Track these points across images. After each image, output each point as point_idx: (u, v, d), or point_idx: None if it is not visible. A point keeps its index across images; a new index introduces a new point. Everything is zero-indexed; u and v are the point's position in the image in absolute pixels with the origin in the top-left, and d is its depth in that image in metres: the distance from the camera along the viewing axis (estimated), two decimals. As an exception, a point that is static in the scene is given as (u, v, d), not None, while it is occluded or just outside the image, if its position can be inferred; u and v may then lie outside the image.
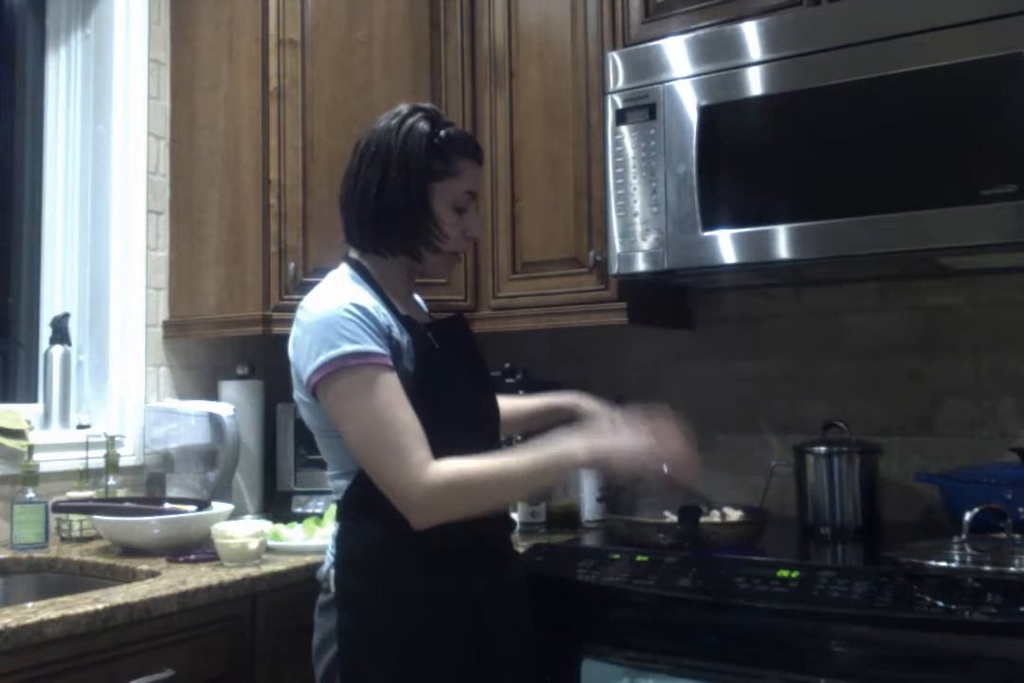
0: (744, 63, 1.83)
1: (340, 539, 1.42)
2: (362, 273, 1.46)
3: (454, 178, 1.46)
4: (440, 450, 1.33)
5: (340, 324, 1.33)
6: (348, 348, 1.32)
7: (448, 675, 1.37)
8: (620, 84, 1.98)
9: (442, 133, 1.46)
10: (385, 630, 1.35)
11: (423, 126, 1.45)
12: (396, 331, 1.39)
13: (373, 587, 1.37)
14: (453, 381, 1.45)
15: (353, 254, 1.51)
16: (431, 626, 1.36)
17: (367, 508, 1.37)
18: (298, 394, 1.43)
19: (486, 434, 1.53)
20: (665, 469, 1.36)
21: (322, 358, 1.32)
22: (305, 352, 1.36)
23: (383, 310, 1.40)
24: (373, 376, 1.32)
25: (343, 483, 1.42)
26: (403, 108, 1.48)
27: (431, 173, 1.44)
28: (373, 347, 1.33)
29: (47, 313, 2.37)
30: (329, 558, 1.44)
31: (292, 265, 2.20)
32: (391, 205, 1.43)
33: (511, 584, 1.50)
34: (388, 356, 1.35)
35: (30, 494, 1.97)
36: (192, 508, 2.00)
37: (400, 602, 1.36)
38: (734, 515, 1.87)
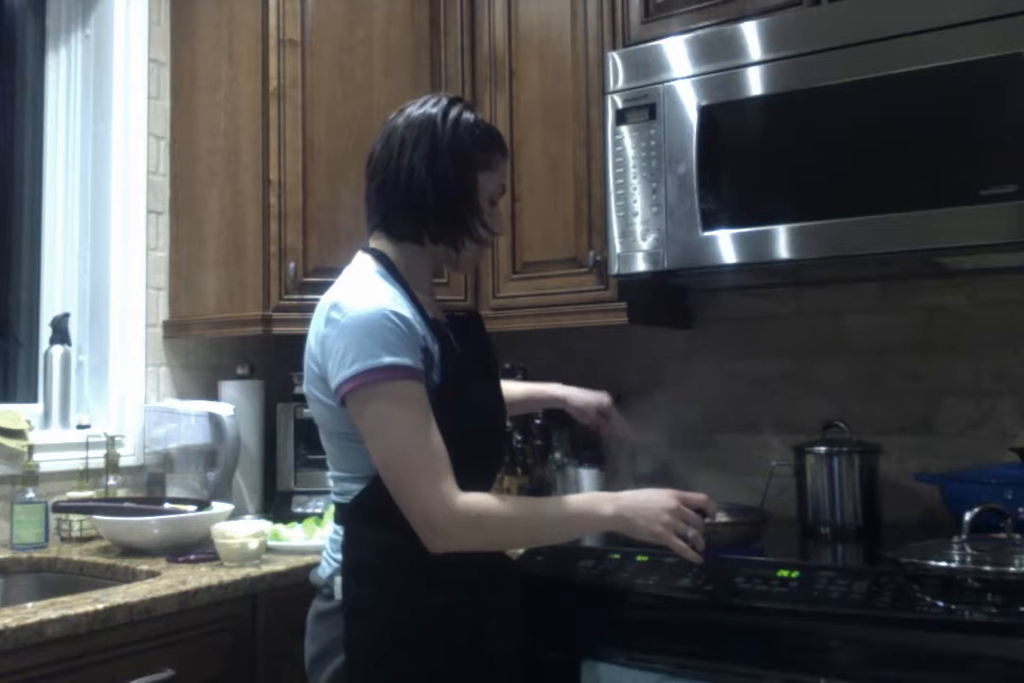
0: (744, 63, 1.83)
1: (347, 546, 1.38)
2: (388, 267, 1.43)
3: (492, 170, 1.46)
4: (453, 455, 1.32)
5: (380, 333, 1.29)
6: (387, 360, 1.28)
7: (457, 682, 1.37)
8: (620, 84, 1.98)
9: (482, 125, 1.47)
10: (398, 641, 1.33)
11: (469, 116, 1.45)
12: (429, 341, 1.36)
13: (384, 597, 1.34)
14: (474, 392, 1.44)
15: (375, 244, 1.47)
16: (441, 635, 1.34)
17: (378, 515, 1.34)
18: (314, 392, 1.39)
19: (498, 437, 1.54)
20: (678, 542, 1.37)
21: (358, 366, 1.28)
22: (338, 356, 1.31)
23: (418, 318, 1.36)
24: (409, 393, 1.30)
25: (353, 487, 1.38)
26: (440, 97, 1.47)
27: (478, 163, 1.44)
28: (409, 361, 1.31)
29: (47, 313, 2.37)
30: (332, 563, 1.40)
31: (292, 265, 2.20)
32: (440, 192, 1.41)
33: (508, 587, 1.50)
34: (423, 372, 1.33)
35: (30, 494, 1.97)
36: (192, 508, 2.00)
37: (412, 612, 1.34)
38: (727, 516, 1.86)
